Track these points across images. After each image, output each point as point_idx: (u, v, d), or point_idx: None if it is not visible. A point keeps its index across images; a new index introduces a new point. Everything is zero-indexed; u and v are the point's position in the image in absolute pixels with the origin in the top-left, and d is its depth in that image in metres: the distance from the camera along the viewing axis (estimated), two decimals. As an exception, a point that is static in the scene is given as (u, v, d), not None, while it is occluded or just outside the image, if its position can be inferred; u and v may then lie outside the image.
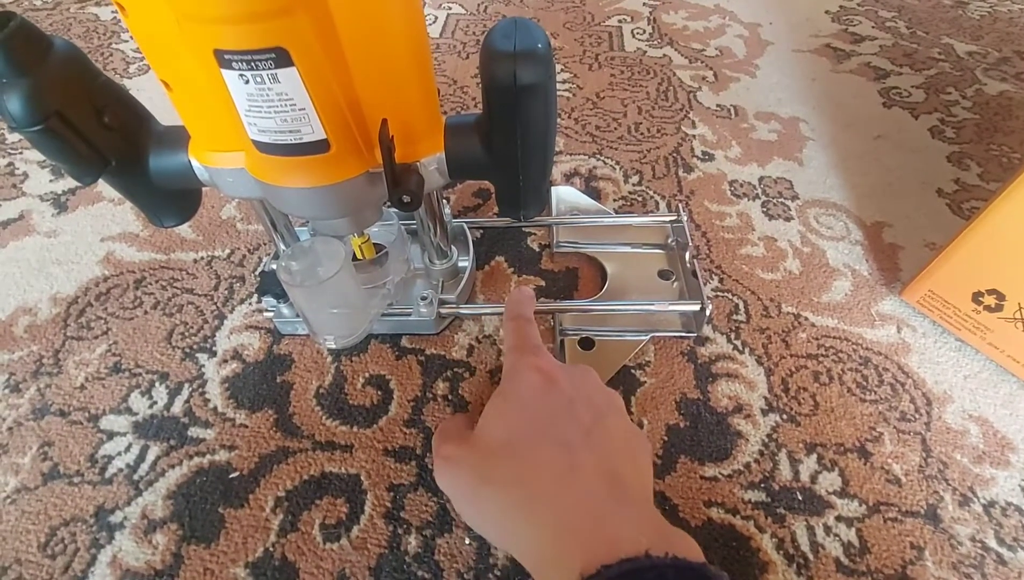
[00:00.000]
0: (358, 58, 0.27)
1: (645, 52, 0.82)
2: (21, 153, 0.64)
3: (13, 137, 0.66)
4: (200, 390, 0.42)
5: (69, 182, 0.60)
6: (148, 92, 0.68)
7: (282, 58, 0.26)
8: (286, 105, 0.27)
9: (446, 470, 0.30)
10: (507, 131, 0.31)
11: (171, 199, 0.38)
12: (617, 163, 0.62)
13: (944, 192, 0.60)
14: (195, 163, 0.34)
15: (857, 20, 0.90)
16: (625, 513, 0.25)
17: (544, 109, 0.30)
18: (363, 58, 0.28)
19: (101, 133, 0.32)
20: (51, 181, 0.60)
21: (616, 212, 0.57)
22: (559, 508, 0.25)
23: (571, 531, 0.24)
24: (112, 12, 0.90)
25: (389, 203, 0.32)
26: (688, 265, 0.47)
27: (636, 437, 0.32)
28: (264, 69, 0.26)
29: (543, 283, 0.50)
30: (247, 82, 0.27)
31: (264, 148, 0.30)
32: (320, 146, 0.29)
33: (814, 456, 0.39)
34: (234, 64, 0.26)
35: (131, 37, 0.84)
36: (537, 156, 0.33)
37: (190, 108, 0.32)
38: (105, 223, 0.55)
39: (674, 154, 0.64)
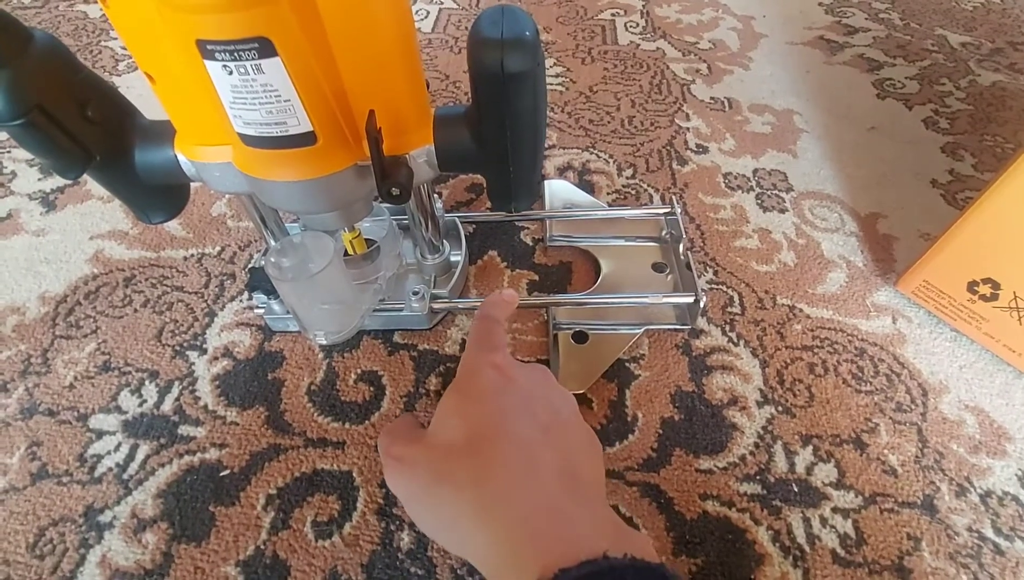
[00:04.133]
0: (344, 48, 0.27)
1: (638, 45, 0.82)
2: (9, 152, 0.63)
3: (0, 136, 0.65)
4: (190, 388, 0.42)
5: (58, 181, 0.59)
6: (138, 89, 0.68)
7: (265, 48, 0.25)
8: (271, 97, 0.27)
9: (398, 471, 0.29)
10: (496, 121, 0.31)
11: (158, 195, 0.37)
12: (611, 156, 0.62)
13: (938, 183, 0.59)
14: (181, 158, 0.34)
15: (850, 12, 0.90)
16: (583, 513, 0.25)
17: (533, 98, 0.30)
18: (349, 47, 0.27)
19: (84, 127, 0.31)
20: (39, 180, 0.59)
21: (610, 205, 0.56)
22: (516, 510, 0.24)
23: (529, 534, 0.23)
24: (101, 10, 0.89)
25: (379, 197, 0.32)
26: (682, 257, 0.47)
27: (590, 437, 0.31)
28: (247, 60, 0.25)
29: (536, 277, 0.50)
30: (231, 73, 0.26)
31: (250, 141, 0.29)
32: (307, 138, 0.29)
33: (810, 448, 0.39)
34: (217, 55, 0.25)
35: (124, 45, 0.84)
36: (527, 146, 0.32)
37: (174, 101, 0.31)
38: (94, 221, 0.54)
39: (668, 147, 0.63)
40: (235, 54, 0.25)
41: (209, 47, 0.25)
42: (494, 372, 0.30)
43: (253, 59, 0.25)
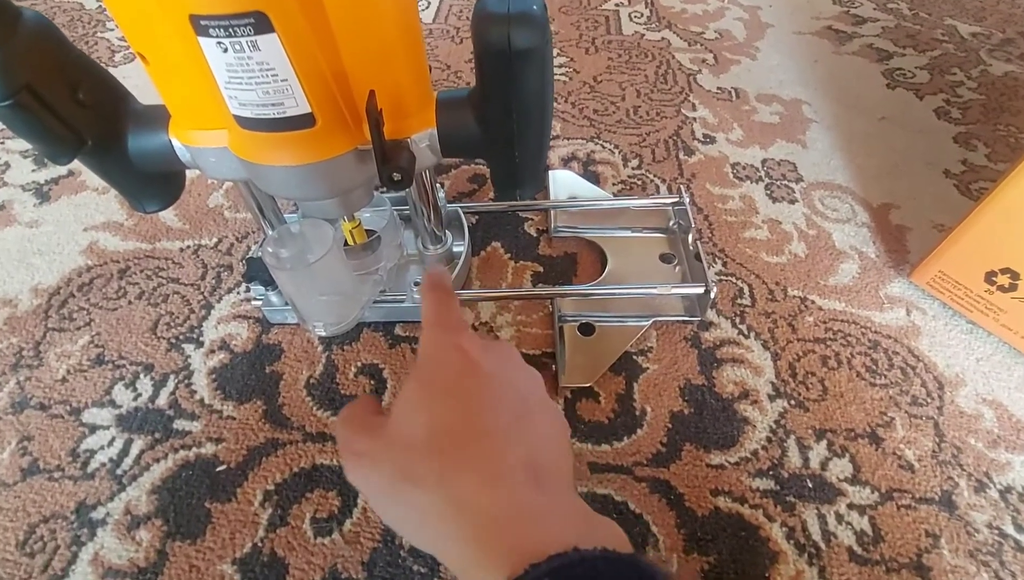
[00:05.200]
0: (343, 24, 0.26)
1: (643, 35, 0.80)
2: (2, 143, 0.62)
3: (-5, 126, 0.64)
4: (186, 381, 0.41)
5: (52, 172, 0.58)
6: (134, 80, 0.66)
7: (261, 23, 0.24)
8: (267, 76, 0.26)
9: (360, 467, 0.26)
10: (501, 102, 0.29)
11: (152, 182, 0.36)
12: (616, 147, 0.61)
13: (951, 173, 0.58)
14: (176, 143, 0.33)
15: (858, 2, 0.89)
16: (552, 507, 0.24)
17: (541, 77, 0.28)
18: (349, 24, 0.26)
19: (75, 110, 0.30)
20: (33, 171, 0.58)
21: (615, 196, 0.55)
22: (484, 509, 0.23)
23: (497, 532, 0.22)
24: (97, 0, 0.88)
25: (380, 184, 0.31)
26: (691, 248, 0.46)
27: (558, 419, 0.29)
28: (243, 36, 0.24)
29: (541, 269, 0.49)
30: (225, 51, 0.25)
31: (246, 124, 0.28)
32: (305, 120, 0.28)
33: (824, 442, 0.38)
34: (211, 31, 0.24)
35: (116, 25, 0.83)
36: (534, 129, 0.31)
37: (168, 82, 0.30)
38: (88, 212, 0.53)
39: (674, 137, 0.62)
40: (230, 30, 0.24)
41: (203, 23, 0.24)
42: (458, 357, 0.28)
43: (249, 35, 0.24)
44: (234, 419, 0.39)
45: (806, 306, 0.46)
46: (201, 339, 0.43)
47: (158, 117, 0.33)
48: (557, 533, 0.22)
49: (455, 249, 0.46)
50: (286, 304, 0.42)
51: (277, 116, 0.27)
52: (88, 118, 0.31)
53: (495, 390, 0.27)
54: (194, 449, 0.37)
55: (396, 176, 0.30)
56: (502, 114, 0.30)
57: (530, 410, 0.28)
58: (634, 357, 0.42)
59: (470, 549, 0.22)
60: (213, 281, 0.47)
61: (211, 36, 0.25)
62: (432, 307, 0.31)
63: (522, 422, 0.27)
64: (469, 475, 0.24)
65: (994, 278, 0.41)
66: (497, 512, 0.23)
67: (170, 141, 0.32)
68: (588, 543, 0.21)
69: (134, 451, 0.37)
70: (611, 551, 0.21)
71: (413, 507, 0.24)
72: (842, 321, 0.45)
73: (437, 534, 0.23)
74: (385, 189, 0.49)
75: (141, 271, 0.48)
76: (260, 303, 0.43)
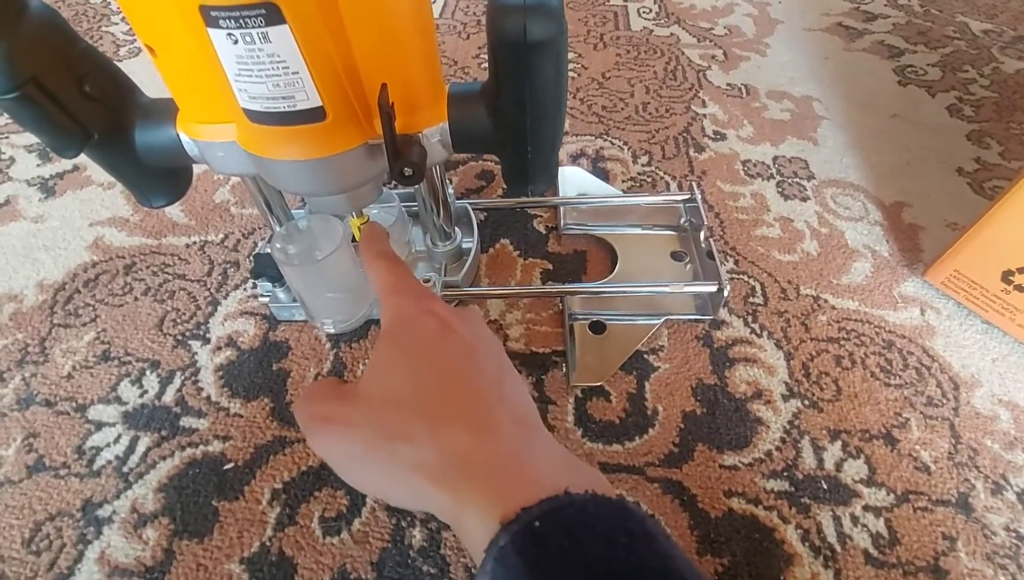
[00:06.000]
0: (355, 15, 0.25)
1: (652, 31, 0.80)
2: (8, 137, 0.61)
3: None
4: (193, 378, 0.41)
5: (57, 167, 0.57)
6: (139, 76, 0.66)
7: (273, 14, 0.23)
8: (278, 68, 0.25)
9: (332, 432, 0.26)
10: (515, 95, 0.29)
11: (159, 177, 0.36)
12: (625, 143, 0.60)
13: (964, 171, 0.57)
14: (183, 137, 0.32)
15: (868, -2, 0.88)
16: (539, 454, 0.24)
17: (556, 68, 0.28)
18: (361, 15, 0.26)
19: (82, 103, 0.30)
20: (38, 165, 0.58)
21: (625, 193, 0.55)
22: (476, 459, 0.23)
23: (490, 480, 0.23)
24: (103, -5, 0.87)
25: (390, 180, 0.30)
26: (703, 245, 0.45)
27: (520, 377, 0.30)
28: (254, 27, 0.24)
29: (550, 266, 0.48)
30: (236, 42, 0.25)
31: (256, 117, 0.28)
32: (315, 114, 0.27)
33: (838, 443, 0.37)
34: (221, 22, 0.24)
35: (122, 19, 0.82)
36: (547, 123, 0.31)
37: (177, 75, 0.29)
38: (94, 208, 0.53)
39: (684, 134, 0.61)
40: (240, 21, 0.24)
41: (213, 13, 0.24)
42: (432, 320, 0.28)
43: (259, 26, 0.24)
44: (241, 417, 0.38)
45: (819, 305, 0.45)
46: (208, 336, 0.43)
47: (165, 111, 0.32)
48: (547, 479, 0.22)
49: (464, 246, 0.46)
50: (293, 301, 0.42)
51: (287, 109, 0.27)
52: (95, 111, 0.30)
53: (471, 350, 0.28)
54: (201, 447, 0.37)
55: (407, 171, 0.29)
56: (516, 107, 0.30)
57: (503, 371, 0.28)
58: (645, 356, 0.42)
59: (463, 499, 0.22)
60: (220, 277, 0.47)
61: (221, 27, 0.24)
62: (386, 275, 0.31)
63: (502, 380, 0.27)
64: (459, 428, 0.24)
65: (1011, 277, 0.41)
66: (488, 460, 0.23)
67: (177, 135, 0.32)
68: (577, 487, 0.22)
69: (140, 448, 0.37)
70: (600, 494, 0.22)
71: (402, 464, 0.24)
72: (856, 320, 0.44)
73: (426, 489, 0.23)
74: (395, 185, 0.49)
75: (147, 267, 0.48)
76: (267, 300, 0.42)
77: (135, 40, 0.78)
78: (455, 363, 0.27)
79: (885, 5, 0.86)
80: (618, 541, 0.20)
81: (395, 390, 0.26)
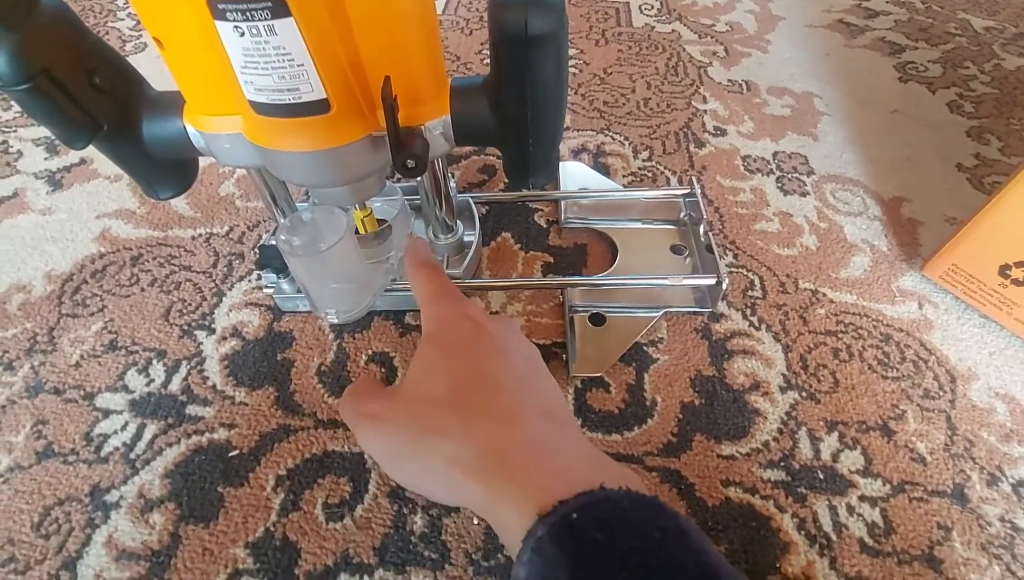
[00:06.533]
0: (360, 9, 0.26)
1: (653, 27, 0.80)
2: (15, 131, 0.62)
3: (7, 115, 0.64)
4: (199, 368, 0.41)
5: (64, 160, 0.58)
6: (144, 71, 0.67)
7: (279, 8, 0.24)
8: (284, 61, 0.26)
9: (376, 428, 0.27)
10: (517, 89, 0.29)
11: (166, 168, 0.36)
12: (626, 138, 0.61)
13: (964, 167, 0.58)
14: (190, 129, 0.33)
15: (871, -5, 0.88)
16: (573, 451, 0.25)
17: (557, 62, 0.28)
18: (365, 9, 0.26)
19: (92, 95, 0.30)
20: (46, 159, 0.58)
21: (626, 188, 0.55)
22: (510, 453, 0.24)
23: (525, 474, 0.23)
24: (108, -10, 0.88)
25: (393, 172, 0.31)
26: (703, 239, 0.45)
27: (552, 378, 0.31)
28: (260, 20, 0.24)
29: (551, 259, 0.49)
30: (242, 35, 0.25)
31: (261, 109, 0.28)
32: (320, 106, 0.28)
33: (835, 434, 0.38)
34: (228, 14, 0.24)
35: (128, 15, 0.83)
36: (548, 116, 0.31)
37: (184, 67, 0.30)
38: (101, 200, 0.54)
39: (685, 129, 0.62)
40: (247, 14, 0.24)
41: (220, 6, 0.24)
42: (467, 323, 0.30)
43: (266, 19, 0.24)
44: (246, 405, 0.39)
45: (817, 298, 0.45)
46: (213, 326, 0.44)
47: (172, 103, 0.33)
48: (582, 474, 0.23)
49: (466, 238, 0.46)
50: (297, 291, 0.42)
51: (292, 101, 0.27)
52: (104, 103, 0.31)
53: (503, 351, 0.29)
54: (207, 434, 0.38)
55: (410, 163, 0.30)
56: (517, 101, 0.30)
57: (536, 370, 0.29)
58: (644, 348, 0.42)
59: (499, 492, 0.23)
60: (225, 269, 0.47)
61: (228, 20, 0.25)
62: (427, 284, 0.33)
63: (533, 378, 0.29)
64: (492, 422, 0.25)
65: (1008, 272, 0.41)
66: (521, 455, 0.24)
67: (184, 127, 0.33)
68: (612, 483, 0.22)
69: (147, 435, 0.38)
70: (635, 491, 0.22)
71: (438, 458, 0.25)
72: (854, 314, 0.44)
73: (463, 483, 0.24)
74: (398, 177, 0.49)
75: (153, 258, 0.48)
76: (272, 291, 0.43)
77: (141, 36, 0.79)
78: (487, 361, 0.28)
79: (887, 2, 0.86)
80: (651, 535, 0.21)
81: (432, 388, 0.27)
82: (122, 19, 0.82)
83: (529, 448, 0.25)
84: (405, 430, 0.26)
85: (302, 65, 0.26)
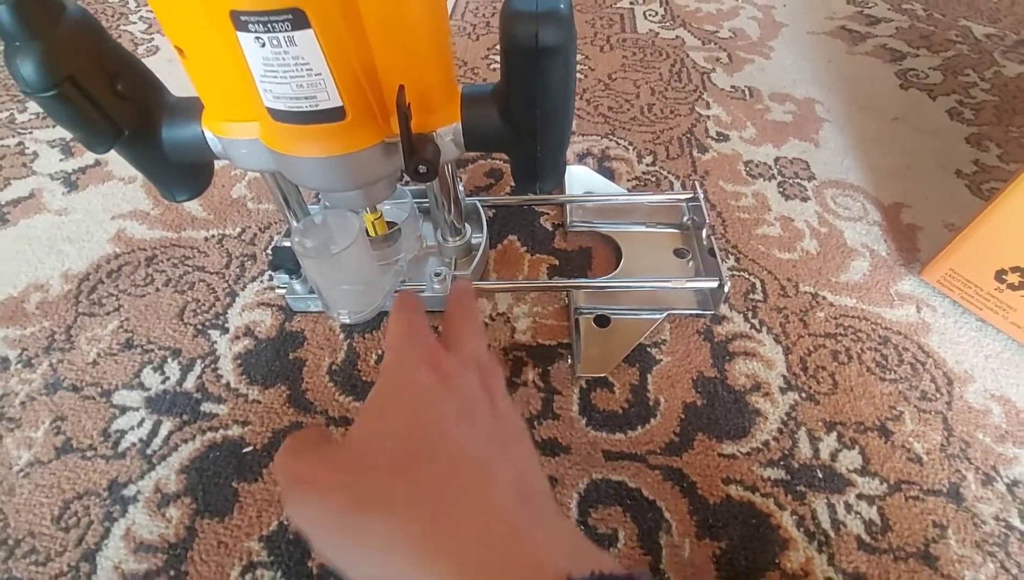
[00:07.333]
0: (375, 21, 0.27)
1: (657, 34, 0.81)
2: (31, 133, 0.63)
3: (23, 117, 0.66)
4: (212, 366, 0.42)
5: (79, 161, 0.59)
6: (158, 74, 0.68)
7: (299, 19, 0.25)
8: (302, 70, 0.27)
9: (306, 496, 0.22)
10: (526, 97, 0.30)
11: (184, 172, 0.37)
12: (630, 143, 0.62)
13: (963, 173, 0.59)
14: (208, 134, 0.34)
15: (872, 2, 0.89)
16: (541, 532, 0.22)
17: (565, 73, 0.29)
18: (381, 21, 0.27)
19: (114, 101, 0.31)
20: (61, 160, 0.60)
21: (630, 192, 0.56)
22: (466, 538, 0.20)
23: (481, 565, 0.19)
24: (120, -6, 0.89)
25: (404, 177, 0.31)
26: (705, 243, 0.46)
27: (527, 435, 0.27)
28: (280, 31, 0.25)
29: (556, 262, 0.50)
30: (263, 45, 0.26)
31: (279, 116, 0.29)
32: (336, 113, 0.29)
33: (834, 434, 0.39)
34: (250, 26, 0.25)
35: (140, 19, 0.84)
36: (556, 124, 0.32)
37: (204, 75, 0.31)
38: (116, 201, 0.55)
39: (688, 135, 0.63)
40: (268, 25, 0.25)
41: (243, 18, 0.25)
42: (426, 370, 0.25)
43: (286, 31, 0.25)
44: (259, 403, 0.40)
45: (817, 302, 0.46)
46: (226, 325, 0.45)
47: (191, 109, 0.34)
48: (549, 563, 0.20)
49: (474, 241, 0.47)
50: (309, 292, 0.43)
51: (309, 109, 0.28)
52: (126, 109, 0.32)
53: (468, 404, 0.25)
54: (221, 431, 0.39)
55: (422, 168, 0.31)
56: (526, 109, 0.31)
57: (509, 427, 0.26)
58: (648, 349, 0.43)
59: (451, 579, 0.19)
60: (237, 270, 0.49)
61: (250, 31, 0.26)
62: (397, 320, 0.29)
63: (505, 444, 0.25)
64: (446, 499, 0.21)
65: (1004, 276, 0.42)
66: (480, 541, 0.20)
67: (203, 132, 0.34)
68: (583, 570, 0.19)
69: (163, 432, 0.39)
70: (606, 574, 0.19)
71: (375, 538, 0.20)
72: (853, 317, 0.45)
73: (405, 571, 0.20)
74: (408, 181, 0.50)
75: (168, 259, 0.49)
76: (284, 291, 0.44)
77: (152, 39, 0.80)
78: (446, 420, 0.24)
79: (888, 9, 0.87)
80: None
81: (378, 451, 0.23)
82: (134, 23, 0.83)
83: (490, 533, 0.21)
84: (340, 501, 0.21)
85: (320, 74, 0.27)
